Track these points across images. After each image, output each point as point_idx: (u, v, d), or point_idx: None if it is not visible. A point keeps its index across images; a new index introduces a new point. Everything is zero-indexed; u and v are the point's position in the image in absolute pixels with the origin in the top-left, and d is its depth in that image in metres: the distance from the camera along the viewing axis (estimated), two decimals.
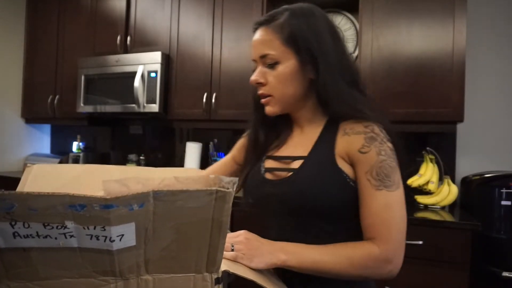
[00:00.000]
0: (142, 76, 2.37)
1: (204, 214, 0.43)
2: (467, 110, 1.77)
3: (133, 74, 2.38)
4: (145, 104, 2.37)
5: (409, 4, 1.85)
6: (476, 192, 1.80)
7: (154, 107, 2.35)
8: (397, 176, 0.70)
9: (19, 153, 3.01)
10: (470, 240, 1.48)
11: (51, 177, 0.68)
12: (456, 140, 2.05)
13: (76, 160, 2.80)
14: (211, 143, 2.47)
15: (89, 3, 2.69)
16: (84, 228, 0.39)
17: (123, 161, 2.84)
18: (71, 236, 0.40)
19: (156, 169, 0.77)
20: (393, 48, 1.88)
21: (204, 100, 2.27)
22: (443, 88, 1.77)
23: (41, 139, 3.22)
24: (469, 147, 2.05)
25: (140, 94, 2.36)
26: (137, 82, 2.35)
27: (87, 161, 2.84)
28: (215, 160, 2.42)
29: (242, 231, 0.70)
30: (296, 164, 0.76)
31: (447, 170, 1.95)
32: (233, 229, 0.82)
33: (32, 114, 2.97)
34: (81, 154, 2.82)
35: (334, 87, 0.72)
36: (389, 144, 0.71)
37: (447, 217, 1.65)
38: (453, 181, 1.92)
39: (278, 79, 0.75)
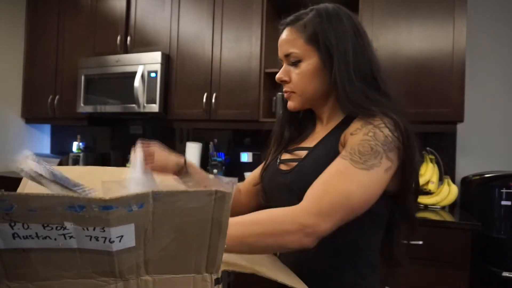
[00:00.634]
0: (142, 76, 2.37)
1: (203, 214, 0.43)
2: (467, 110, 1.77)
3: (133, 74, 2.38)
4: (145, 104, 2.37)
5: (409, 4, 1.85)
6: (476, 192, 1.80)
7: (154, 107, 2.35)
8: (375, 160, 0.64)
9: (19, 153, 3.01)
10: (470, 240, 1.48)
11: None
12: (456, 140, 2.05)
13: (76, 160, 2.80)
14: (211, 143, 2.47)
15: (89, 3, 2.69)
16: (83, 229, 0.39)
17: (123, 161, 2.84)
18: (71, 237, 0.40)
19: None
20: (393, 48, 1.87)
21: (204, 100, 2.27)
22: (443, 88, 1.77)
23: (41, 139, 3.22)
24: (469, 147, 2.05)
25: (140, 94, 2.37)
26: (137, 82, 2.35)
27: (87, 161, 2.84)
28: (215, 160, 2.42)
29: None
30: (304, 154, 0.78)
31: (447, 170, 1.95)
32: None
33: (32, 114, 2.97)
34: (81, 154, 2.82)
35: (346, 86, 0.72)
36: (386, 132, 0.67)
37: (447, 217, 1.65)
38: (453, 181, 1.92)
39: (300, 76, 0.77)
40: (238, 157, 2.49)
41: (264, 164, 0.90)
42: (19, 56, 2.98)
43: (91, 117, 2.74)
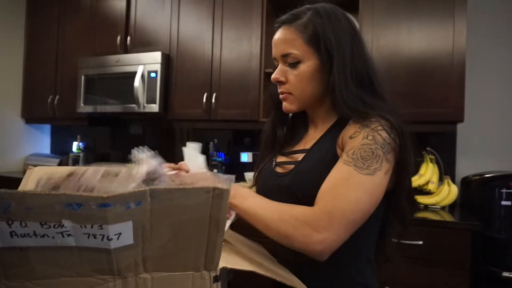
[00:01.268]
0: (142, 76, 2.37)
1: (201, 212, 0.43)
2: (467, 110, 1.77)
3: (133, 74, 2.38)
4: (145, 104, 2.37)
5: (409, 4, 1.84)
6: (476, 192, 1.80)
7: (154, 107, 2.35)
8: (377, 164, 0.65)
9: (19, 153, 3.02)
10: (470, 240, 1.48)
11: None
12: (456, 140, 2.05)
13: (76, 160, 2.80)
14: (211, 143, 2.47)
15: (89, 3, 2.70)
16: (81, 227, 0.39)
17: (123, 161, 2.84)
18: (69, 235, 0.40)
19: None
20: (393, 48, 1.87)
21: (204, 100, 2.27)
22: (443, 88, 1.77)
23: (41, 139, 3.22)
24: (469, 147, 2.05)
25: (140, 94, 2.36)
26: (137, 82, 2.35)
27: (87, 161, 2.84)
28: (215, 160, 2.42)
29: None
30: (301, 157, 0.78)
31: (447, 170, 1.95)
32: (233, 228, 0.82)
33: (32, 114, 2.97)
34: (81, 154, 2.82)
35: (343, 89, 0.72)
36: (384, 134, 0.67)
37: (447, 217, 1.64)
38: (453, 181, 1.92)
39: (299, 78, 0.76)
40: (238, 157, 2.49)
41: (258, 167, 0.89)
42: (19, 56, 2.98)
43: (91, 117, 2.74)
